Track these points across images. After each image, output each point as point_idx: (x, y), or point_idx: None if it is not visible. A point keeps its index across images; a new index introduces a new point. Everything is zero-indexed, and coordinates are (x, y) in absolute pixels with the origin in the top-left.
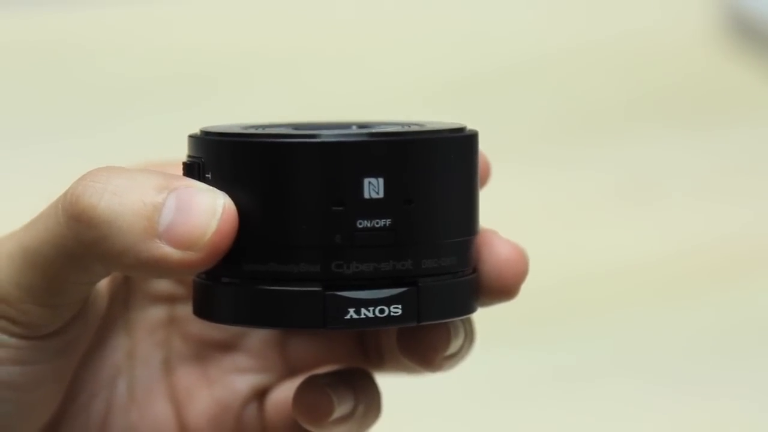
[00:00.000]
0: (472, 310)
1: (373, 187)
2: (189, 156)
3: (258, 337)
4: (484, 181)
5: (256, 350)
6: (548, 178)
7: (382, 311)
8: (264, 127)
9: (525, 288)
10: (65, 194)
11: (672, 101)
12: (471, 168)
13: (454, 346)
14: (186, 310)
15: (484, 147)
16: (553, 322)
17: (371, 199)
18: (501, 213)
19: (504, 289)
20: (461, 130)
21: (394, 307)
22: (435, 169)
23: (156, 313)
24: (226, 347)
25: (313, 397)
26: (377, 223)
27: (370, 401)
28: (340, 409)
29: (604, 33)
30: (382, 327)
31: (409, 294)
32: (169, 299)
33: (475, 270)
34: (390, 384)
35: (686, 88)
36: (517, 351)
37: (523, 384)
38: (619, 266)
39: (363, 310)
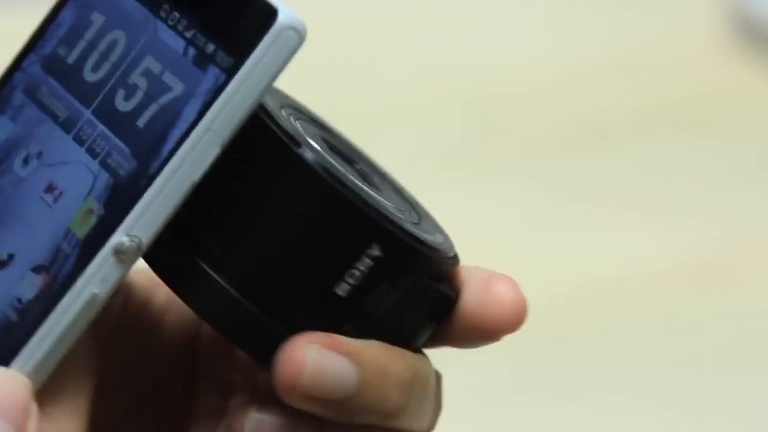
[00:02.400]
0: None
1: None
2: None
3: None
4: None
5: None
6: (548, 188)
7: None
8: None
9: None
10: None
11: (677, 108)
12: None
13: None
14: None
15: (491, 156)
16: (544, 332)
17: None
18: (504, 221)
19: (490, 328)
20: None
21: None
22: None
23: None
24: None
25: None
26: None
27: None
28: None
29: (607, 43)
30: None
31: None
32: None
33: None
34: None
35: (693, 95)
36: (506, 359)
37: (511, 394)
38: (618, 275)
39: None
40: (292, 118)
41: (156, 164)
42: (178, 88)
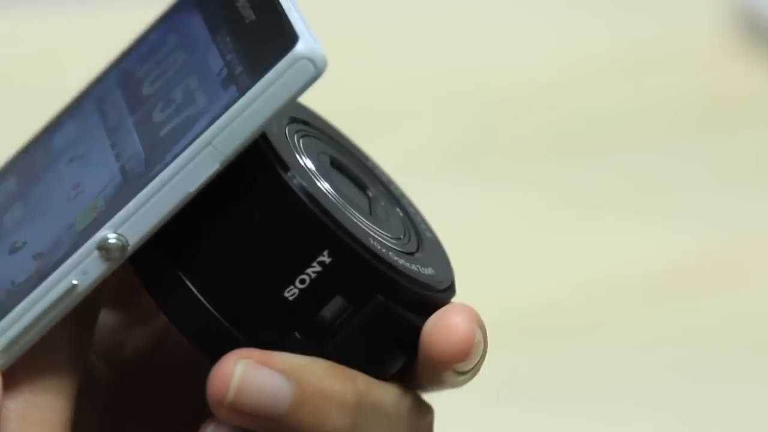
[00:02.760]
0: None
1: None
2: None
3: None
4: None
5: None
6: (550, 189)
7: None
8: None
9: (520, 297)
10: None
11: (682, 109)
12: None
13: None
14: None
15: (492, 157)
16: (545, 334)
17: None
18: (505, 222)
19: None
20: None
21: None
22: None
23: None
24: None
25: None
26: None
27: None
28: None
29: (610, 44)
30: None
31: None
32: None
33: None
34: None
35: (698, 96)
36: (505, 361)
37: (511, 396)
38: (620, 277)
39: None
40: (296, 136)
41: (157, 170)
42: (201, 103)
